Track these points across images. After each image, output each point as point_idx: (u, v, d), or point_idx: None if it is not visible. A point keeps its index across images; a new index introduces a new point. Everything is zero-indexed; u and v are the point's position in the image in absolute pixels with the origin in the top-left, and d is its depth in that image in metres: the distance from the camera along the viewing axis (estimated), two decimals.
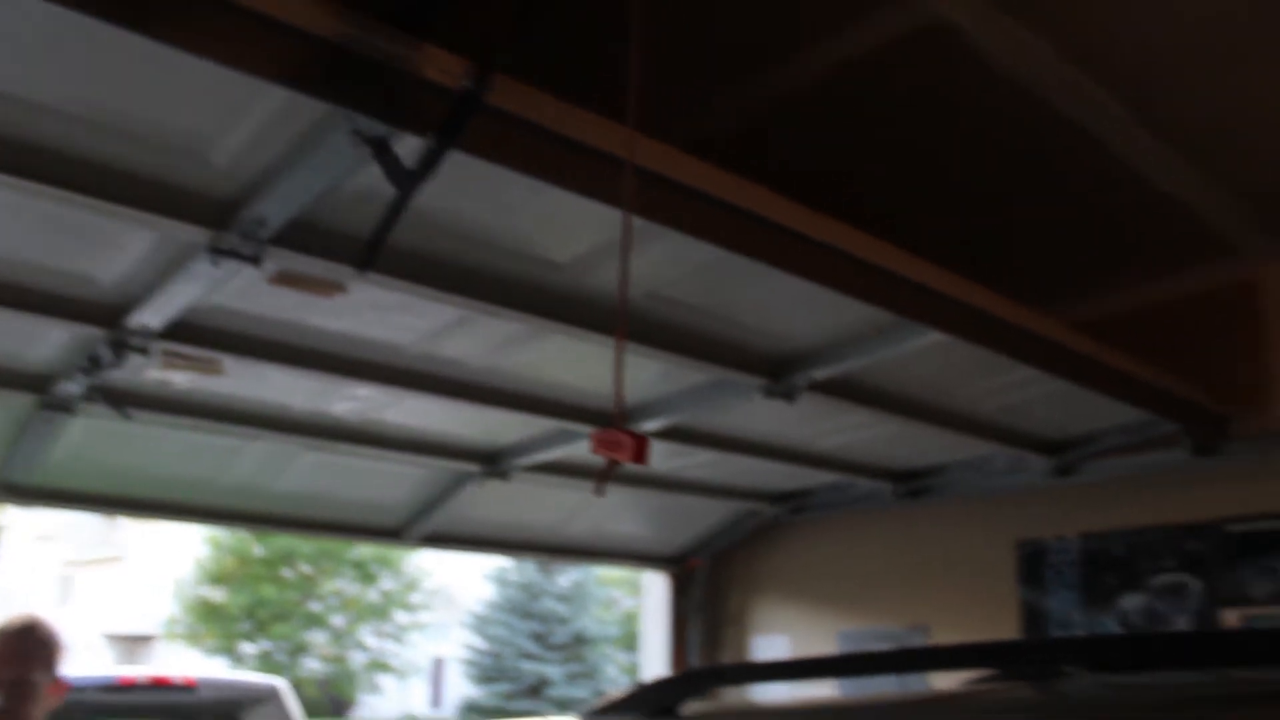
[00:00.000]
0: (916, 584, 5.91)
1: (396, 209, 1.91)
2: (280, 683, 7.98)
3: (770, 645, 6.63)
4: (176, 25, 1.63)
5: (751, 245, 2.56)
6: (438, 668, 38.35)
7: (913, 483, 5.64)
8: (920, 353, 3.58)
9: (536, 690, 31.65)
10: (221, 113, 2.15)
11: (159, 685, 7.05)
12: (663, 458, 5.18)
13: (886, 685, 5.50)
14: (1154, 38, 3.28)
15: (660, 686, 2.45)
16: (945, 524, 5.79)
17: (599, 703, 2.60)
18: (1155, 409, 4.24)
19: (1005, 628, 5.46)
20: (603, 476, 1.44)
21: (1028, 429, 4.82)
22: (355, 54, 1.79)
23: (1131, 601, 5.13)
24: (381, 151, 1.99)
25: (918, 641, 5.81)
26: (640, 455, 1.45)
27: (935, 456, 5.36)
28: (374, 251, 1.98)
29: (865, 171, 3.49)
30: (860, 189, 3.43)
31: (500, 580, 33.64)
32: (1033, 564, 5.45)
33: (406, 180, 1.90)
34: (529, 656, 32.75)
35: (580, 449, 4.68)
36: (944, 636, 5.70)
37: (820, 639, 6.32)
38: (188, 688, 7.12)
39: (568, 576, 33.54)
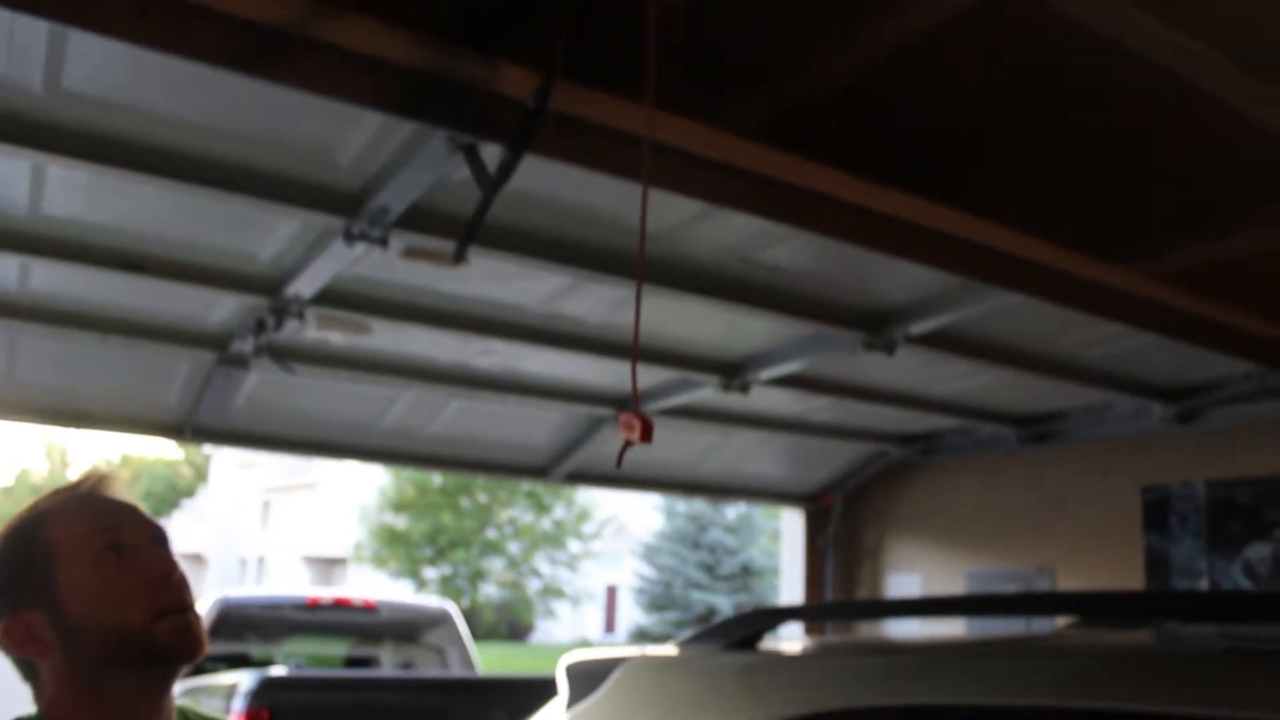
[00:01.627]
0: (1043, 526, 6.01)
1: (481, 210, 2.23)
2: (451, 606, 8.65)
3: (903, 582, 6.84)
4: (290, 70, 1.98)
5: (788, 213, 2.76)
6: (610, 595, 39.62)
7: (1035, 427, 5.73)
8: (1014, 306, 3.70)
9: (705, 619, 32.37)
10: (341, 124, 2.52)
11: (342, 606, 7.78)
12: (787, 402, 5.44)
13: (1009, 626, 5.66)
14: None
15: (736, 622, 2.75)
16: (1070, 468, 5.86)
17: (690, 635, 2.92)
18: (1264, 360, 4.24)
19: (1130, 572, 5.52)
20: (620, 454, 1.71)
21: (1143, 376, 4.86)
22: (437, 76, 2.11)
23: (1258, 551, 5.12)
24: (470, 156, 2.31)
25: (1044, 583, 5.93)
26: (647, 436, 1.71)
27: (1054, 402, 5.44)
28: (466, 244, 2.31)
29: (951, 139, 3.61)
30: (950, 158, 3.55)
31: (669, 511, 34.42)
32: (1157, 510, 5.47)
33: (488, 185, 2.21)
34: (698, 586, 33.52)
35: (704, 394, 4.97)
36: (1069, 579, 5.81)
37: (949, 577, 6.50)
38: (368, 609, 7.83)
39: (735, 508, 34.03)
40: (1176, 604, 2.41)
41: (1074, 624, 2.70)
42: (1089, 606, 2.61)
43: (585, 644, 35.20)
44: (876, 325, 3.97)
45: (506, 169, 2.10)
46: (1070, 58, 3.52)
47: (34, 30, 2.10)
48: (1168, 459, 5.44)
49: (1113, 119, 3.90)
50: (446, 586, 28.72)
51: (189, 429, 4.97)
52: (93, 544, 1.46)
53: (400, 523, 29.53)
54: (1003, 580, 6.10)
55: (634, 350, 1.67)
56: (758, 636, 2.65)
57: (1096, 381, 4.74)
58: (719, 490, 6.79)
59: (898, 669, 2.30)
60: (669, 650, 2.87)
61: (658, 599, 33.92)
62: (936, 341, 4.12)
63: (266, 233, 3.18)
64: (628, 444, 1.77)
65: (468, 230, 2.28)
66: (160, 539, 1.52)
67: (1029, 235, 3.26)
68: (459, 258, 2.32)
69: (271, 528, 43.64)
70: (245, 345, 4.06)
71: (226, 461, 45.74)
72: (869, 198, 2.84)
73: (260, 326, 3.81)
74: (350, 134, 2.57)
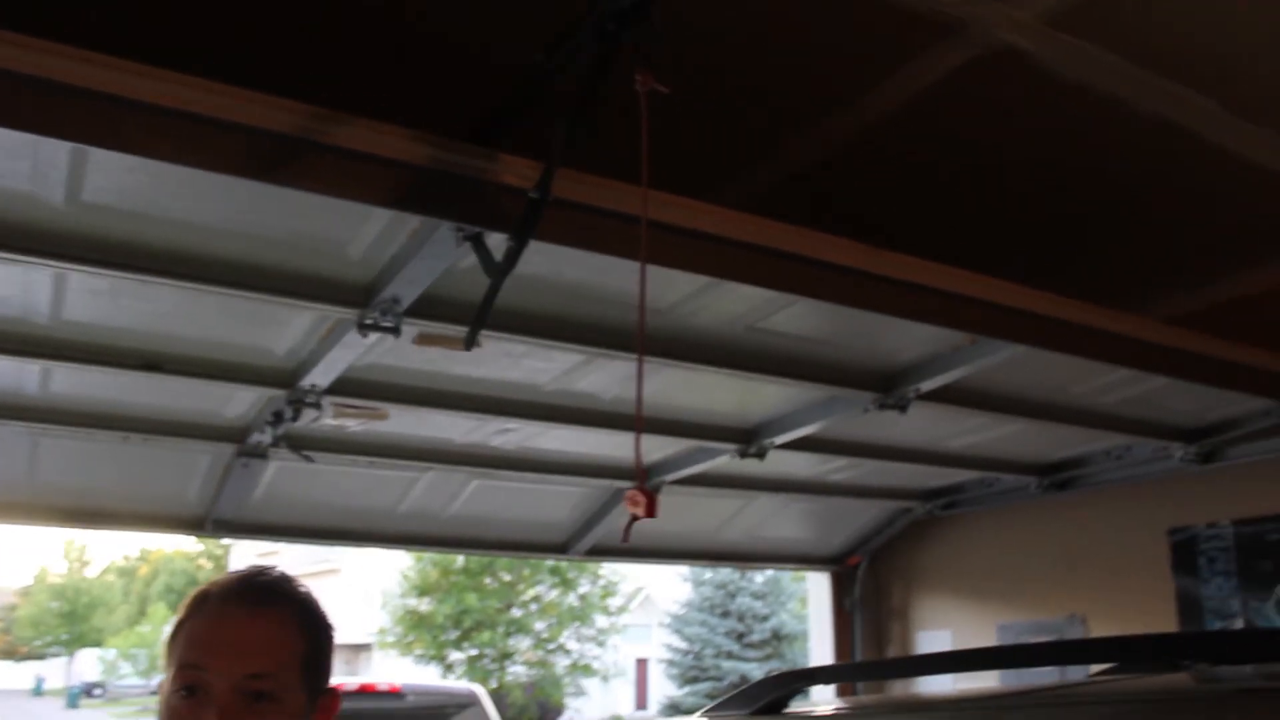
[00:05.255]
0: (1071, 574, 5.98)
1: (490, 297, 2.29)
2: (479, 689, 8.58)
3: (933, 640, 6.78)
4: (295, 173, 2.06)
5: (789, 281, 2.82)
6: (640, 669, 39.16)
7: (1056, 475, 5.73)
8: (1021, 358, 3.72)
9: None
10: (351, 220, 2.59)
11: (367, 692, 7.73)
12: (804, 465, 5.45)
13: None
14: (1228, 27, 3.33)
15: (760, 686, 2.75)
16: (1094, 514, 5.84)
17: (714, 703, 2.91)
18: (1273, 394, 4.25)
19: (1162, 617, 5.47)
20: (626, 529, 1.76)
21: (1159, 418, 4.86)
22: (443, 172, 2.18)
23: None
24: (477, 245, 2.37)
25: (1076, 632, 5.88)
26: (652, 511, 1.75)
27: (1073, 449, 5.44)
28: (475, 333, 2.36)
29: (952, 200, 3.68)
30: (952, 217, 3.62)
31: (696, 580, 34.12)
32: (1185, 552, 5.44)
33: (496, 272, 2.27)
34: (729, 655, 33.12)
35: (721, 462, 4.99)
36: (1100, 627, 5.76)
37: (980, 632, 6.44)
38: (393, 694, 7.78)
39: (763, 574, 33.72)
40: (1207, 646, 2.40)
41: (1107, 671, 2.69)
42: (1118, 652, 2.60)
43: None
44: (887, 385, 4.00)
45: (512, 257, 2.16)
46: (1063, 112, 3.60)
47: (57, 149, 2.18)
48: (1192, 500, 5.41)
49: (1109, 169, 3.97)
50: (473, 668, 28.44)
51: (209, 523, 5.00)
52: (176, 675, 1.53)
53: (424, 606, 29.33)
54: (1035, 632, 6.04)
55: (638, 425, 1.71)
56: (784, 701, 2.65)
57: (1114, 426, 4.74)
58: (742, 557, 6.77)
59: None
60: None
61: (689, 670, 33.51)
62: (949, 397, 4.14)
63: (282, 327, 3.25)
64: (633, 519, 1.80)
65: (476, 317, 2.34)
66: (255, 677, 1.51)
67: (1032, 288, 3.30)
68: (470, 344, 2.38)
69: None
70: (263, 437, 4.10)
71: (246, 552, 45.61)
72: (867, 261, 2.90)
73: (278, 418, 3.86)
74: (360, 229, 2.64)
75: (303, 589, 1.67)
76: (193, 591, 1.65)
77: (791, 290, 2.85)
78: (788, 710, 2.65)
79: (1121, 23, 3.24)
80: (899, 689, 6.40)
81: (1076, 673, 5.36)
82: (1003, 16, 3.18)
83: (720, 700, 2.86)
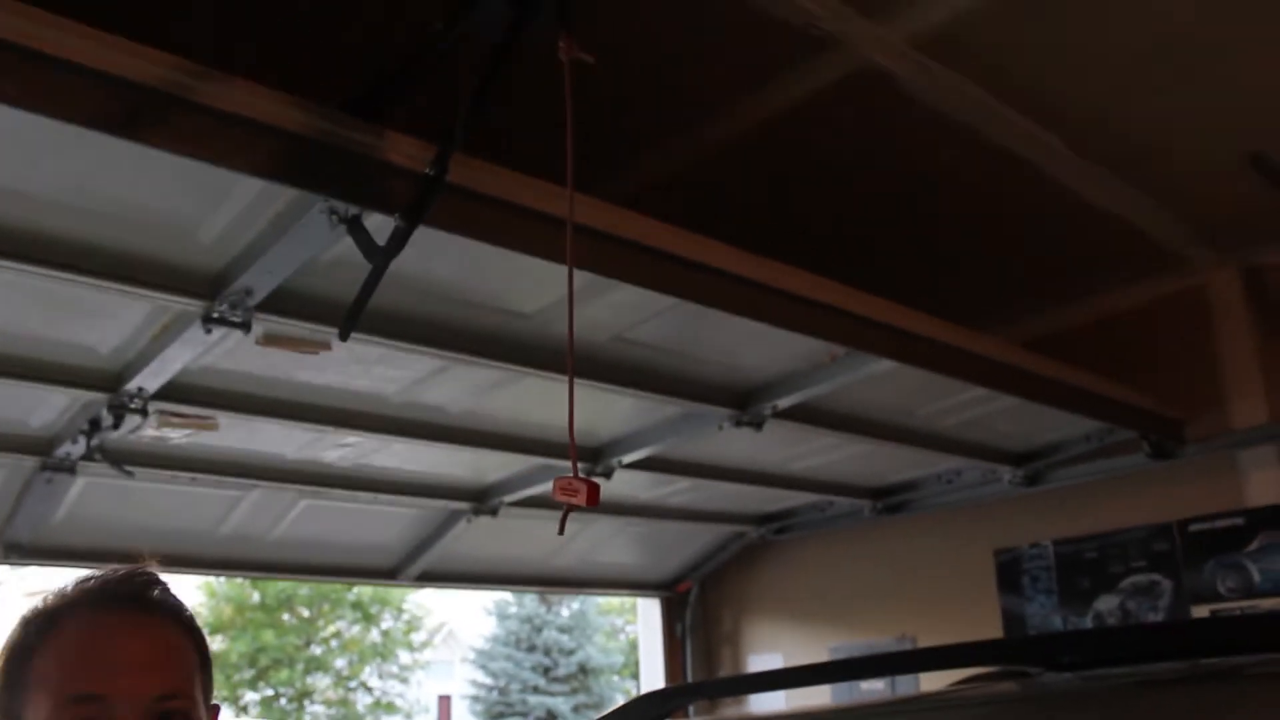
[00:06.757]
0: (901, 596, 6.10)
1: (371, 283, 2.11)
2: None
3: (764, 664, 6.79)
4: (161, 131, 1.84)
5: (691, 289, 2.77)
6: (444, 706, 38.24)
7: (889, 498, 5.84)
8: (876, 377, 3.77)
9: None
10: (207, 197, 2.35)
11: None
12: (645, 487, 5.37)
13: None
14: (1078, 70, 3.51)
15: (641, 702, 2.63)
16: (925, 537, 5.98)
17: None
18: (1109, 418, 4.44)
19: (987, 634, 5.62)
20: (563, 519, 1.64)
21: (992, 442, 5.02)
22: (324, 144, 2.00)
23: (1106, 603, 5.32)
24: (355, 228, 2.19)
25: None
26: (593, 499, 1.64)
27: (908, 472, 5.56)
28: (352, 322, 2.18)
29: (813, 213, 3.70)
30: (811, 231, 3.64)
31: (501, 614, 33.59)
32: (1010, 571, 5.64)
33: (379, 256, 2.10)
34: (535, 690, 32.68)
35: None
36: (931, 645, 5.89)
37: (812, 655, 6.47)
38: None
39: (569, 607, 33.51)
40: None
41: (960, 683, 2.71)
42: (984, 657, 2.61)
43: None
44: (744, 402, 3.97)
45: (400, 239, 2.00)
46: (921, 137, 3.67)
47: None
48: (1017, 521, 5.62)
49: (958, 195, 4.09)
50: (269, 709, 27.12)
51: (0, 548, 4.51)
52: (61, 710, 1.24)
53: (216, 644, 27.82)
54: (866, 652, 6.12)
55: (569, 405, 1.59)
56: (664, 717, 2.55)
57: (951, 449, 4.86)
58: (575, 583, 6.63)
59: None
60: None
61: (494, 706, 32.88)
62: (801, 415, 4.15)
63: (110, 319, 2.93)
64: (569, 509, 1.67)
65: (355, 305, 2.15)
66: (166, 697, 1.27)
67: (898, 304, 3.34)
68: (345, 336, 2.19)
69: None
70: (75, 448, 3.72)
71: (15, 590, 42.30)
72: (745, 267, 2.85)
73: (94, 426, 3.50)
74: (217, 210, 2.40)
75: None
76: (28, 614, 1.35)
77: (679, 295, 2.77)
78: None
79: (982, 51, 3.34)
80: (731, 711, 6.39)
81: (906, 688, 5.50)
82: (872, 36, 3.22)
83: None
